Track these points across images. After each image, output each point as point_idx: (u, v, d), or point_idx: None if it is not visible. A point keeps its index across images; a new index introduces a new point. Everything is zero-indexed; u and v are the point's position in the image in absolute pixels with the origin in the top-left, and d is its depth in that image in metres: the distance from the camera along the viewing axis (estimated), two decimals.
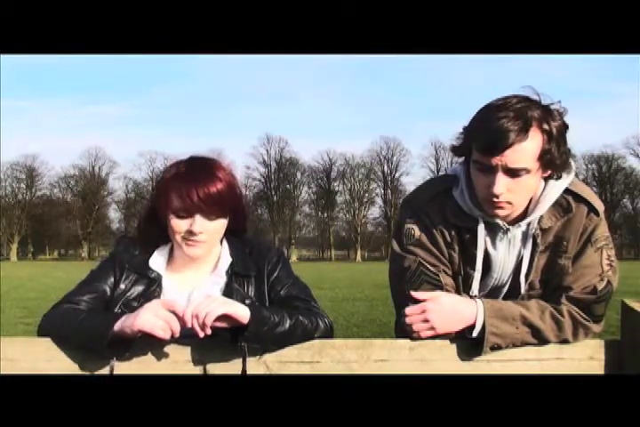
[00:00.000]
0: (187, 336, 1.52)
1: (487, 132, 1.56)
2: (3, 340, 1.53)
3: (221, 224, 1.70)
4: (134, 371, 1.52)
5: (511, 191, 1.59)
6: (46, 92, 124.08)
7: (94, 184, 75.89)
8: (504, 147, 1.54)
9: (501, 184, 1.57)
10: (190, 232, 1.65)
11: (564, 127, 1.61)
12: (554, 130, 1.57)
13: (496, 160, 1.56)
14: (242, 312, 1.51)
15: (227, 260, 1.76)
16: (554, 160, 1.59)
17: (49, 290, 17.82)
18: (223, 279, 1.74)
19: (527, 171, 1.57)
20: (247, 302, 1.68)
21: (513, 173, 1.57)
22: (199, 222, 1.65)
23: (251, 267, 1.75)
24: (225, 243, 1.80)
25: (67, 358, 1.53)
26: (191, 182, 1.63)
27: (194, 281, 1.75)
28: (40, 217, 74.40)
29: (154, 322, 1.47)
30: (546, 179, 1.67)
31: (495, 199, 1.60)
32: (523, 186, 1.60)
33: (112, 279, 1.72)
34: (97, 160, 77.25)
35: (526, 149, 1.55)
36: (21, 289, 18.66)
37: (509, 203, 1.62)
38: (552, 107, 1.61)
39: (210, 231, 1.67)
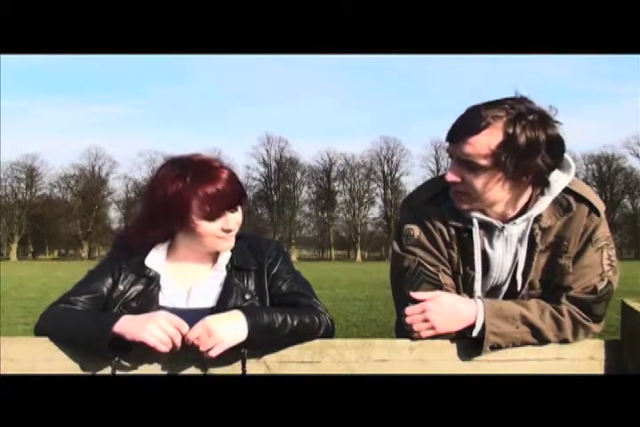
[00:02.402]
0: None
1: (453, 124, 1.62)
2: (3, 340, 1.53)
3: (242, 212, 1.75)
4: (134, 371, 1.52)
5: (468, 184, 1.62)
6: (46, 92, 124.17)
7: (94, 184, 75.85)
8: (458, 136, 1.59)
9: (453, 171, 1.63)
10: (226, 230, 1.69)
11: (541, 143, 1.56)
12: (520, 138, 1.55)
13: (452, 149, 1.62)
14: (241, 335, 1.51)
15: (226, 254, 1.77)
16: (507, 165, 1.56)
17: (49, 290, 17.81)
18: (223, 274, 1.74)
19: (479, 166, 1.58)
20: (247, 296, 1.70)
21: (467, 165, 1.60)
22: (231, 218, 1.69)
23: (250, 261, 1.76)
24: None
25: (67, 358, 1.53)
26: (208, 186, 1.64)
27: (193, 277, 1.76)
28: (40, 217, 74.37)
29: (159, 337, 1.47)
30: (540, 186, 1.67)
31: (453, 188, 1.66)
32: (480, 182, 1.61)
33: (110, 280, 1.72)
34: (97, 160, 77.34)
35: (477, 144, 1.57)
36: (21, 289, 18.65)
37: (467, 195, 1.64)
38: (542, 120, 1.57)
39: (239, 222, 1.73)
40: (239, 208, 1.72)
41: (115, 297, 1.70)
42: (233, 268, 1.75)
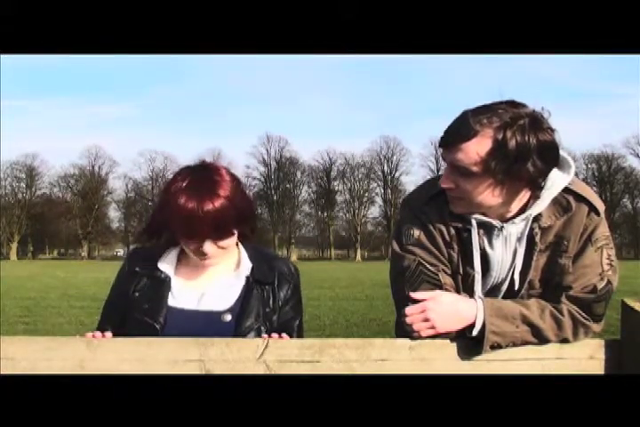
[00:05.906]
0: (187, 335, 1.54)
1: (445, 130, 1.62)
2: (3, 339, 1.53)
3: (232, 239, 1.71)
4: (134, 371, 1.52)
5: (461, 189, 1.63)
6: (46, 92, 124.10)
7: (94, 183, 75.82)
8: (449, 143, 1.60)
9: (446, 177, 1.64)
10: (201, 253, 1.67)
11: (532, 148, 1.55)
12: (510, 143, 1.53)
13: (445, 154, 1.63)
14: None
15: (247, 264, 1.78)
16: (498, 172, 1.56)
17: (48, 289, 17.84)
18: (242, 283, 1.76)
19: (471, 172, 1.58)
20: (267, 309, 1.73)
21: (459, 171, 1.60)
22: (208, 246, 1.66)
23: (269, 278, 1.78)
24: (241, 247, 1.81)
25: (67, 358, 1.53)
26: (195, 210, 1.60)
27: (205, 280, 1.77)
28: (40, 216, 74.38)
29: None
30: (533, 190, 1.66)
31: (448, 193, 1.66)
32: (472, 188, 1.61)
33: (129, 292, 1.76)
34: (97, 159, 77.42)
35: (468, 151, 1.56)
36: (21, 288, 18.65)
37: (462, 199, 1.65)
38: (533, 125, 1.55)
39: (221, 247, 1.69)
40: (229, 237, 1.68)
41: (132, 302, 1.72)
42: (254, 280, 1.76)
